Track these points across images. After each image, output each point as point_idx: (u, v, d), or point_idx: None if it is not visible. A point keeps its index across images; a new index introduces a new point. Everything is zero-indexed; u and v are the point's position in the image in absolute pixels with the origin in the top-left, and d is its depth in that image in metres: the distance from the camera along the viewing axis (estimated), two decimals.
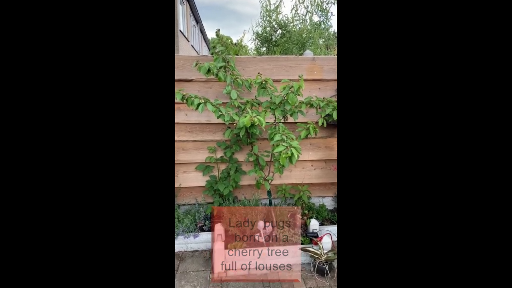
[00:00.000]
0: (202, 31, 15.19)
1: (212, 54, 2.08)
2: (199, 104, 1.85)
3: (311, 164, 2.53)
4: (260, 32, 3.90)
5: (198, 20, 14.14)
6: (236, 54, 2.10)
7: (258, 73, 2.00)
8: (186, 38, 10.77)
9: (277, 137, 1.67)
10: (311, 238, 2.08)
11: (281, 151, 1.57)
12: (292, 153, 1.55)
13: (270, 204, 2.19)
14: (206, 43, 16.47)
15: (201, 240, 2.18)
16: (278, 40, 3.67)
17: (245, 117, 1.77)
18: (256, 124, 1.72)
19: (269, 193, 2.17)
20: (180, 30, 9.29)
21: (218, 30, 2.12)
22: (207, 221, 2.32)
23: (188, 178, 2.48)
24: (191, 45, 11.98)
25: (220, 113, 1.92)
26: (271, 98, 2.01)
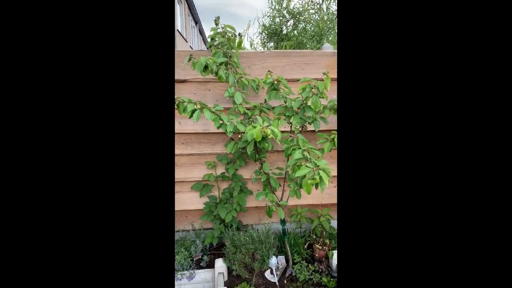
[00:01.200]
0: (201, 32, 14.85)
1: (210, 48, 1.67)
2: (193, 111, 1.44)
3: (331, 181, 2.12)
4: (268, 24, 3.45)
5: (197, 21, 13.80)
6: (240, 48, 1.70)
7: (269, 71, 1.60)
8: (185, 39, 10.40)
9: (297, 155, 1.25)
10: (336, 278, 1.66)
11: (305, 175, 1.16)
12: (320, 178, 1.14)
13: (284, 234, 1.77)
14: (205, 45, 16.13)
15: (198, 280, 1.76)
16: (289, 32, 3.24)
17: (254, 127, 1.36)
18: (269, 136, 1.31)
19: (283, 222, 1.74)
20: (177, 30, 8.92)
21: (218, 18, 1.71)
22: (205, 255, 1.89)
23: (183, 200, 2.06)
24: (190, 46, 11.61)
25: (220, 121, 1.51)
26: (285, 102, 1.60)
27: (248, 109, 1.72)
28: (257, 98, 1.90)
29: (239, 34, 1.67)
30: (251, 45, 3.58)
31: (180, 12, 9.54)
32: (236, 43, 1.68)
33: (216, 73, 1.53)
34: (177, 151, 1.98)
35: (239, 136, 1.59)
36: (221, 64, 1.60)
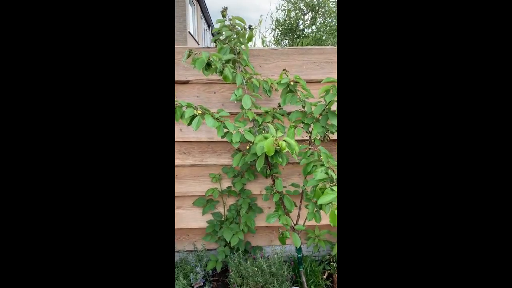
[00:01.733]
0: (214, 35, 14.82)
1: (215, 42, 1.44)
2: (193, 118, 1.21)
3: None
4: (282, 19, 3.14)
5: (210, 24, 13.74)
6: (250, 41, 1.45)
7: (284, 69, 1.34)
8: (196, 41, 10.32)
9: (320, 174, 0.99)
10: None
11: (331, 202, 0.89)
12: None
13: (300, 264, 1.49)
14: None
15: None
16: (307, 27, 2.94)
17: (265, 138, 1.10)
18: (284, 150, 1.05)
19: (298, 250, 1.47)
20: (189, 32, 8.83)
21: (225, 8, 1.48)
22: (207, 282, 1.64)
23: (184, 217, 1.82)
24: None
25: (225, 130, 1.26)
26: (303, 106, 1.34)
27: (258, 114, 1.47)
28: (270, 102, 1.65)
29: (250, 27, 1.43)
30: (263, 42, 3.31)
31: (192, 14, 9.47)
32: (246, 38, 1.43)
33: (221, 72, 1.28)
34: (177, 162, 1.75)
35: (248, 146, 1.33)
36: (227, 61, 1.35)
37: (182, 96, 1.67)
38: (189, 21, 8.84)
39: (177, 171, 1.77)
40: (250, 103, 1.33)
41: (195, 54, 1.23)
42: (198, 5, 10.90)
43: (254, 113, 1.40)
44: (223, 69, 1.27)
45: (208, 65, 1.25)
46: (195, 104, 1.54)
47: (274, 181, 1.42)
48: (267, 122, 1.36)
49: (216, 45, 1.40)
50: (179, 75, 1.64)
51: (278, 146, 1.01)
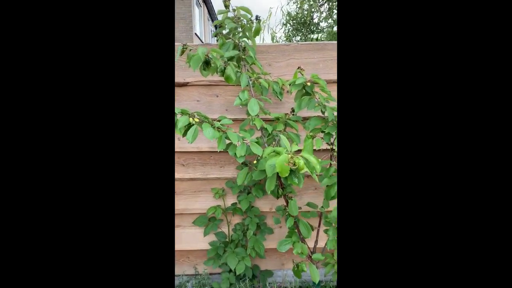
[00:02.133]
0: (216, 28, 14.68)
1: (216, 37, 1.22)
2: (188, 127, 1.00)
3: None
4: (294, 12, 2.82)
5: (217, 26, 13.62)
6: (258, 35, 1.23)
7: (299, 67, 1.11)
8: (203, 43, 10.20)
9: None
10: None
11: None
12: None
13: None
14: None
15: None
16: (323, 20, 2.67)
17: (277, 153, 0.88)
18: (302, 170, 0.82)
19: (317, 285, 1.23)
20: (195, 34, 8.70)
21: None
22: None
23: (183, 237, 1.61)
24: None
25: (227, 141, 1.04)
26: (323, 112, 1.11)
27: (268, 122, 1.24)
28: (281, 107, 1.42)
29: (257, 18, 1.21)
30: (272, 39, 3.05)
31: (199, 15, 9.34)
32: (253, 31, 1.21)
33: (223, 72, 1.06)
34: (176, 175, 1.54)
35: (255, 160, 1.11)
36: (230, 59, 1.14)
37: (180, 100, 1.46)
38: (195, 22, 8.70)
39: (175, 185, 1.56)
40: (258, 108, 1.11)
41: (190, 50, 1.01)
42: (205, 6, 10.77)
43: (263, 120, 1.17)
44: (225, 68, 1.05)
45: (207, 63, 1.03)
46: (195, 110, 1.33)
47: (287, 202, 1.19)
48: (279, 131, 1.13)
49: (217, 40, 1.19)
50: (176, 76, 1.44)
51: (294, 165, 0.78)
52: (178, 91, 1.45)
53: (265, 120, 1.35)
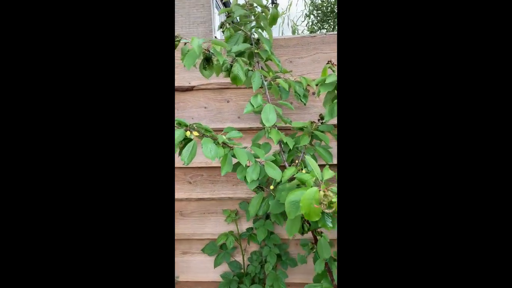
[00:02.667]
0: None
1: (221, 28, 0.99)
2: (185, 143, 0.77)
3: None
4: (319, 0, 2.48)
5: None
6: (274, 24, 0.98)
7: (329, 61, 0.85)
8: None
9: None
10: None
11: None
12: None
13: None
14: None
15: None
16: None
17: (302, 181, 0.62)
18: (333, 209, 0.56)
19: None
20: (215, 37, 8.63)
21: None
22: None
23: (191, 266, 1.39)
24: None
25: (234, 160, 0.80)
26: None
27: (287, 130, 0.98)
28: (306, 113, 1.15)
29: (273, 2, 0.96)
30: (294, 32, 2.75)
31: (219, 19, 9.28)
32: (268, 19, 0.96)
33: (228, 72, 0.83)
34: (181, 194, 1.32)
35: (273, 186, 0.86)
36: (239, 54, 0.90)
37: (185, 107, 1.25)
38: (215, 26, 8.64)
39: (181, 206, 1.34)
40: (275, 116, 0.85)
41: (185, 44, 0.78)
42: (224, 8, 10.70)
43: (283, 130, 0.92)
44: (231, 66, 0.81)
45: (208, 60, 0.80)
46: (202, 119, 1.10)
47: (316, 239, 0.92)
48: (304, 148, 0.87)
49: (223, 32, 0.95)
50: (179, 79, 1.23)
51: (328, 206, 0.51)
52: (182, 97, 1.24)
53: (285, 130, 1.08)
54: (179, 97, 1.24)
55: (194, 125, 0.81)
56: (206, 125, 0.82)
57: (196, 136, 0.79)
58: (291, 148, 0.85)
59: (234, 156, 0.79)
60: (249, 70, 0.86)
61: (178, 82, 1.22)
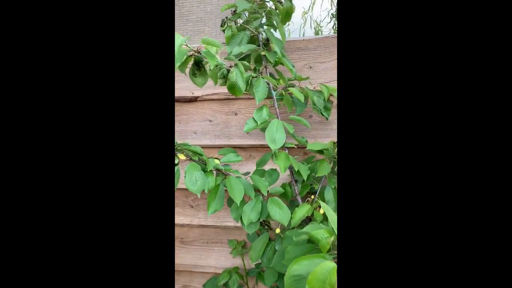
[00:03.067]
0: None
1: (223, 26, 0.83)
2: None
3: None
4: None
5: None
6: (288, 21, 0.79)
7: None
8: None
9: None
10: None
11: None
12: None
13: None
14: None
15: None
16: None
17: (310, 241, 0.42)
18: None
19: None
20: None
21: None
22: None
23: None
24: None
25: (225, 195, 0.61)
26: None
27: (300, 150, 0.78)
28: (327, 130, 0.94)
29: None
30: (317, 34, 2.49)
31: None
32: (280, 15, 0.78)
33: (225, 79, 0.65)
34: (182, 219, 1.16)
35: (278, 229, 0.65)
36: (243, 58, 0.72)
37: (187, 120, 1.09)
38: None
39: (182, 232, 1.18)
40: (283, 136, 0.65)
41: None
42: None
43: (296, 153, 0.71)
44: (228, 73, 0.64)
45: (198, 65, 0.63)
46: (207, 133, 0.94)
47: None
48: (321, 177, 0.66)
49: (223, 31, 0.78)
50: (181, 88, 1.08)
51: None
52: (185, 108, 1.09)
53: (300, 150, 0.88)
54: (181, 109, 1.09)
55: (183, 147, 0.64)
56: (196, 146, 0.65)
57: (183, 159, 0.62)
58: (306, 179, 0.64)
59: (228, 187, 0.60)
60: (252, 76, 0.67)
61: (179, 92, 1.08)
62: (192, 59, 0.62)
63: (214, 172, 0.62)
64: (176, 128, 1.10)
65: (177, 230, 1.18)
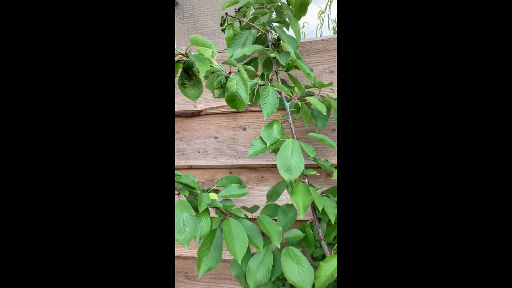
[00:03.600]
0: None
1: (223, 25, 0.69)
2: None
3: None
4: None
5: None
6: (303, 15, 0.64)
7: None
8: None
9: None
10: None
11: None
12: None
13: None
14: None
15: None
16: None
17: None
18: None
19: None
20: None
21: None
22: None
23: None
24: None
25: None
26: None
27: (322, 177, 0.60)
28: None
29: None
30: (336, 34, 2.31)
31: None
32: (294, 7, 0.64)
33: (223, 88, 0.51)
34: (185, 251, 1.01)
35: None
36: (249, 62, 0.58)
37: (190, 138, 0.96)
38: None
39: (187, 266, 1.03)
40: (301, 162, 0.48)
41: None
42: None
43: (316, 181, 0.55)
44: (227, 80, 0.49)
45: (188, 72, 0.49)
46: (211, 152, 0.82)
47: None
48: None
49: (223, 31, 0.64)
50: (182, 101, 0.95)
51: None
52: (187, 123, 0.96)
53: (321, 171, 0.71)
54: (182, 125, 0.96)
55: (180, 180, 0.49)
56: (188, 176, 0.50)
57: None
58: (334, 221, 0.47)
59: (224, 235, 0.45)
60: (258, 85, 0.52)
61: (180, 106, 0.95)
62: (180, 65, 0.48)
63: (210, 210, 0.47)
64: (177, 147, 0.96)
65: (180, 264, 1.03)
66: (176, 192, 0.48)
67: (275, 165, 0.87)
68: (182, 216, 0.42)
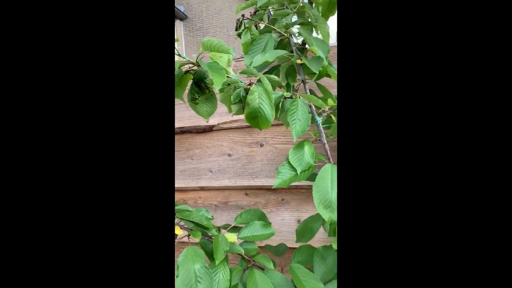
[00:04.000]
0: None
1: (238, 29, 0.61)
2: None
3: None
4: None
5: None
6: (333, 13, 0.55)
7: None
8: None
9: None
10: None
11: None
12: None
13: None
14: None
15: None
16: None
17: None
18: None
19: None
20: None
21: None
22: None
23: None
24: None
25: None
26: None
27: None
28: None
29: None
30: None
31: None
32: (321, 5, 0.55)
33: (241, 103, 0.42)
34: None
35: None
36: (270, 71, 0.49)
37: (201, 156, 0.87)
38: None
39: None
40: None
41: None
42: None
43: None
44: (246, 94, 0.40)
45: (199, 84, 0.40)
46: (224, 171, 0.73)
47: None
48: None
49: (239, 36, 0.56)
50: (192, 116, 0.87)
51: None
52: (197, 140, 0.87)
53: None
54: (193, 142, 0.87)
55: (177, 214, 0.39)
56: (200, 210, 0.41)
57: (179, 235, 0.38)
58: None
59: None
60: (284, 97, 0.43)
61: (191, 121, 0.86)
62: (190, 77, 0.40)
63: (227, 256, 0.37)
64: (187, 166, 0.88)
65: None
66: (186, 233, 0.39)
67: (298, 186, 0.76)
68: (194, 268, 0.32)
